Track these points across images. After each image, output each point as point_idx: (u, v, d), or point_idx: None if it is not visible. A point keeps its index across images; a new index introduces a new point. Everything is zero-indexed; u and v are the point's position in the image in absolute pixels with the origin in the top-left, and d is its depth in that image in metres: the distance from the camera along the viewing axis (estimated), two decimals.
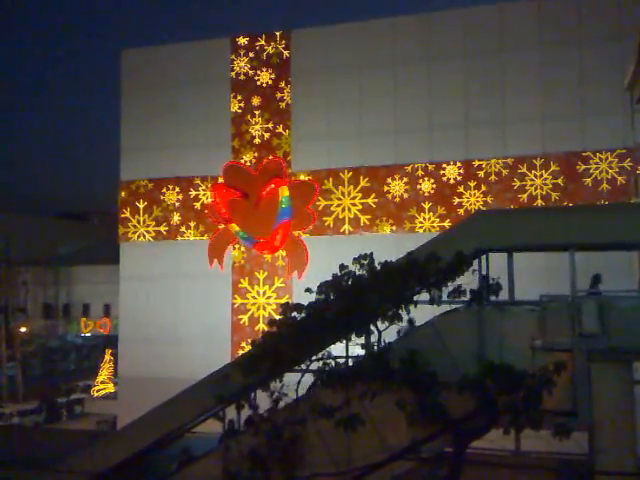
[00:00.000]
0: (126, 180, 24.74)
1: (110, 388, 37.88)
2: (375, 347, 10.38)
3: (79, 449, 14.84)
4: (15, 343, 44.94)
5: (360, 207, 21.92)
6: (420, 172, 21.48)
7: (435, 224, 21.10)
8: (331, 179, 22.27)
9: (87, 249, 53.74)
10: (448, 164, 21.24)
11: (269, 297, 22.60)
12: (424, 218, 21.28)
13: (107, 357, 39.89)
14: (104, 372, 40.09)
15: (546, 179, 20.41)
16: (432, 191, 21.31)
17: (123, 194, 24.77)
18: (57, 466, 13.48)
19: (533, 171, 20.52)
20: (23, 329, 47.10)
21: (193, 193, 23.85)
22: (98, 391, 39.58)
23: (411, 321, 10.31)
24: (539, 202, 20.40)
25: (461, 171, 21.13)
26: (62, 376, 47.78)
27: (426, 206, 21.31)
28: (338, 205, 22.19)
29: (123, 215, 24.68)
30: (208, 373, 12.61)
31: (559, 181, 20.34)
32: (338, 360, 10.43)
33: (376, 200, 21.78)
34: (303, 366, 10.58)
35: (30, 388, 43.39)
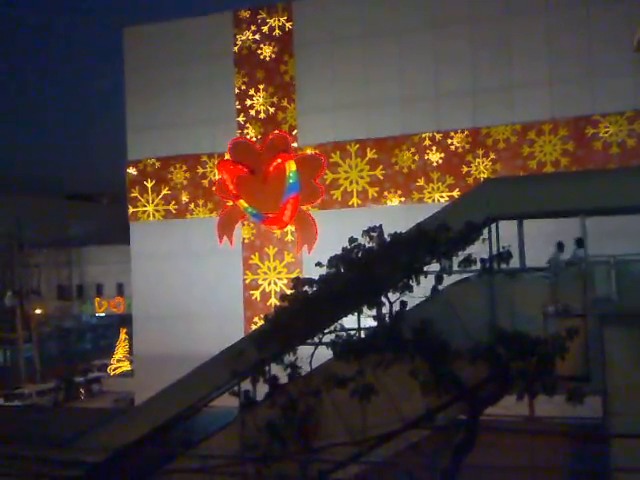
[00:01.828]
0: (133, 160, 24.75)
1: (126, 366, 38.43)
2: (387, 318, 10.43)
3: (98, 426, 15.13)
4: (31, 325, 45.56)
5: (368, 179, 21.82)
6: (427, 142, 21.30)
7: (444, 194, 20.99)
8: (338, 152, 22.15)
9: (98, 230, 54.05)
10: (456, 132, 21.03)
11: (280, 272, 22.69)
12: (433, 188, 21.17)
13: (122, 336, 40.42)
14: (120, 351, 40.65)
15: (555, 145, 20.19)
16: (440, 161, 21.15)
17: (131, 174, 24.79)
18: (77, 443, 13.76)
19: (542, 137, 20.30)
20: (38, 311, 47.70)
21: (200, 170, 23.83)
22: (115, 369, 40.19)
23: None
24: (549, 168, 20.21)
25: (469, 139, 20.93)
26: (79, 356, 48.46)
27: (434, 176, 21.17)
28: (346, 178, 22.10)
29: (132, 195, 24.74)
30: (222, 349, 12.76)
31: (568, 146, 20.12)
32: (350, 332, 10.52)
33: (384, 172, 21.67)
34: (316, 339, 10.68)
35: (47, 368, 44.10)
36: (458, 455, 9.69)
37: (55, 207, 58.55)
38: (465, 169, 20.95)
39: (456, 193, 20.65)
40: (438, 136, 21.20)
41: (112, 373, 40.19)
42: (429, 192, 21.17)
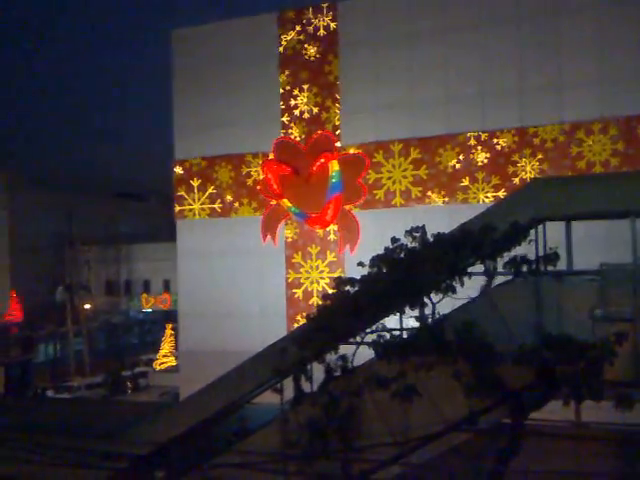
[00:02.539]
0: (180, 159, 25.21)
1: (172, 361, 39.21)
2: (429, 319, 10.37)
3: (144, 420, 15.49)
4: (81, 319, 46.92)
5: (411, 179, 21.69)
6: (473, 141, 21.03)
7: (489, 194, 20.69)
8: (381, 152, 22.08)
9: (146, 227, 55.29)
10: (502, 132, 20.70)
11: (322, 271, 22.77)
12: (477, 188, 20.88)
13: (168, 332, 41.26)
14: (165, 346, 41.50)
15: (605, 144, 19.65)
16: (485, 160, 20.85)
17: (178, 173, 25.26)
18: (124, 436, 14.12)
19: (591, 136, 19.79)
20: (88, 306, 49.11)
21: (245, 170, 24.11)
22: (160, 364, 41.06)
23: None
24: (598, 168, 19.68)
25: (515, 139, 20.57)
26: (126, 350, 49.65)
27: (479, 176, 20.89)
28: (389, 178, 22.01)
29: (178, 193, 25.21)
30: (264, 346, 12.90)
31: (618, 146, 19.56)
32: (393, 332, 10.49)
33: (427, 171, 21.49)
34: (358, 339, 10.70)
35: (96, 362, 45.33)
36: (502, 459, 9.57)
37: (105, 205, 60.16)
38: (511, 169, 20.60)
39: (501, 193, 20.33)
40: (484, 135, 20.90)
41: (158, 368, 41.06)
42: (474, 192, 20.90)
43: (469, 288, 10.25)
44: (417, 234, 10.82)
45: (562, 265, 10.32)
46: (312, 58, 23.29)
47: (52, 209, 53.60)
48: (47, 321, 47.02)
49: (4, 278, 52.08)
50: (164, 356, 41.19)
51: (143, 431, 14.12)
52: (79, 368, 44.58)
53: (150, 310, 52.62)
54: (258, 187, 23.77)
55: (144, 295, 52.33)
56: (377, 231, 20.23)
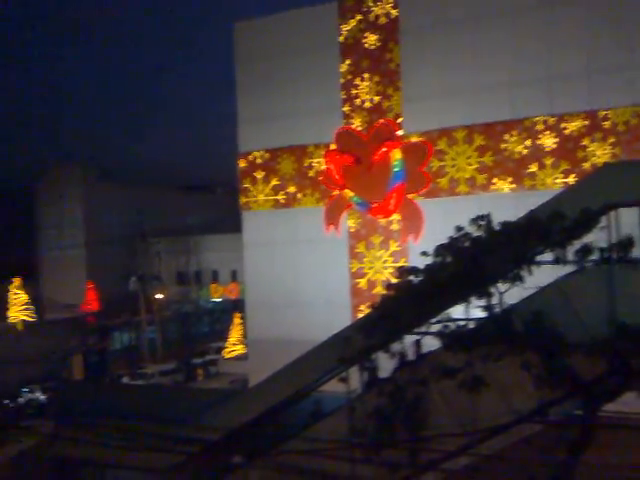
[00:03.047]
0: (244, 152, 25.65)
1: (240, 349, 40.11)
2: (496, 309, 10.23)
3: (214, 406, 15.98)
4: (153, 309, 48.65)
5: (476, 166, 21.27)
6: (540, 126, 20.39)
7: (558, 180, 20.04)
8: (444, 139, 21.75)
9: (213, 219, 56.61)
10: (571, 116, 19.97)
11: (385, 261, 22.73)
12: (546, 174, 20.26)
13: (236, 320, 42.20)
14: (234, 334, 42.48)
15: None
16: (554, 145, 20.19)
17: (242, 165, 25.72)
18: (195, 422, 14.63)
19: None
20: (159, 295, 50.86)
21: (307, 161, 24.28)
22: (230, 352, 42.08)
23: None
24: None
25: (585, 122, 19.80)
26: (196, 338, 51.18)
27: (548, 162, 20.26)
28: (452, 165, 21.67)
29: (243, 185, 25.68)
30: (329, 336, 13.06)
31: None
32: (459, 322, 10.41)
33: (493, 158, 21.02)
34: (423, 329, 10.67)
35: (168, 350, 46.95)
36: (574, 452, 9.38)
37: (173, 198, 61.97)
38: (581, 154, 19.88)
39: (571, 179, 19.65)
40: (551, 120, 20.23)
41: (227, 356, 42.08)
42: (542, 178, 20.29)
43: (538, 277, 10.04)
44: (482, 222, 10.66)
45: (638, 252, 9.94)
46: (373, 46, 23.14)
47: (124, 203, 55.70)
48: (122, 310, 49.01)
49: (81, 270, 54.60)
50: (233, 344, 42.17)
51: (215, 417, 14.59)
52: (152, 356, 46.31)
53: (219, 299, 54.00)
54: (320, 178, 23.91)
55: (213, 285, 53.75)
56: (441, 220, 19.99)
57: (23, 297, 48.53)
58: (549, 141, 20.19)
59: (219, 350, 43.69)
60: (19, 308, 48.22)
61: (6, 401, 34.38)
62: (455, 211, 19.28)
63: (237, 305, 43.80)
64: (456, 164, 21.57)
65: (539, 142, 20.36)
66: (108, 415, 16.65)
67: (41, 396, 34.98)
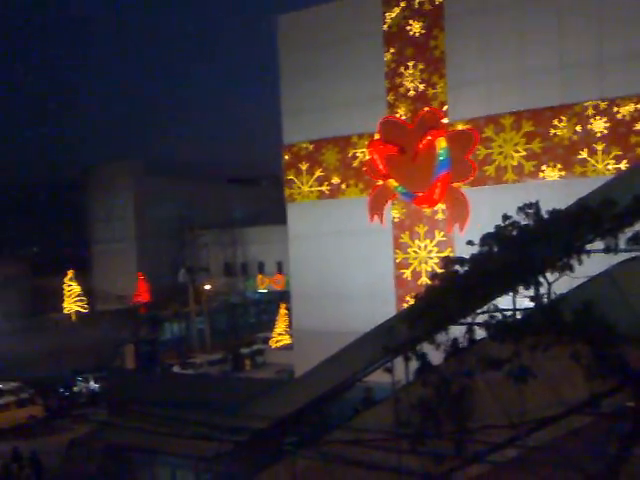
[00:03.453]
0: (288, 143, 25.77)
1: (286, 340, 40.47)
2: (545, 299, 10.02)
3: (261, 396, 16.19)
4: (202, 300, 49.54)
5: (524, 153, 20.80)
6: (591, 111, 19.78)
7: (610, 166, 19.42)
8: (491, 126, 21.33)
9: (259, 211, 57.20)
10: (623, 100, 19.30)
11: (430, 251, 22.51)
12: (597, 160, 19.67)
13: (282, 311, 42.58)
14: (280, 325, 42.87)
15: None
16: (605, 131, 19.56)
17: (286, 157, 25.86)
18: (243, 411, 14.85)
19: None
20: (208, 287, 51.73)
21: (351, 151, 24.21)
22: (276, 342, 42.51)
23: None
24: None
25: (638, 106, 19.09)
26: (244, 329, 51.88)
27: (599, 147, 19.65)
28: (499, 153, 21.25)
29: (288, 177, 25.82)
30: (374, 326, 13.04)
31: None
32: (505, 313, 10.24)
33: (541, 145, 20.52)
34: (469, 319, 10.54)
35: (217, 340, 47.74)
36: (625, 444, 9.13)
37: (221, 191, 62.85)
38: (634, 139, 19.19)
39: (623, 165, 19.02)
40: (602, 104, 19.59)
41: (274, 346, 42.50)
42: (592, 165, 19.70)
43: (588, 266, 9.78)
44: (530, 211, 10.43)
45: None
46: (417, 34, 22.85)
47: (172, 196, 56.77)
48: (171, 301, 50.08)
49: (131, 262, 56.02)
50: (279, 334, 42.58)
51: (261, 406, 14.78)
52: (201, 346, 47.20)
53: (265, 290, 54.57)
54: (364, 168, 23.81)
55: (259, 276, 54.35)
56: (487, 209, 19.66)
57: (76, 289, 50.15)
58: (600, 126, 19.56)
59: (266, 340, 44.18)
60: (73, 299, 49.86)
61: (61, 390, 35.65)
62: (502, 199, 18.92)
63: (283, 296, 44.16)
64: (503, 151, 21.14)
65: (590, 127, 19.76)
66: (159, 403, 17.07)
67: (94, 385, 36.12)
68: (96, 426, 19.40)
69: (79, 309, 49.56)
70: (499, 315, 10.09)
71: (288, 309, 37.36)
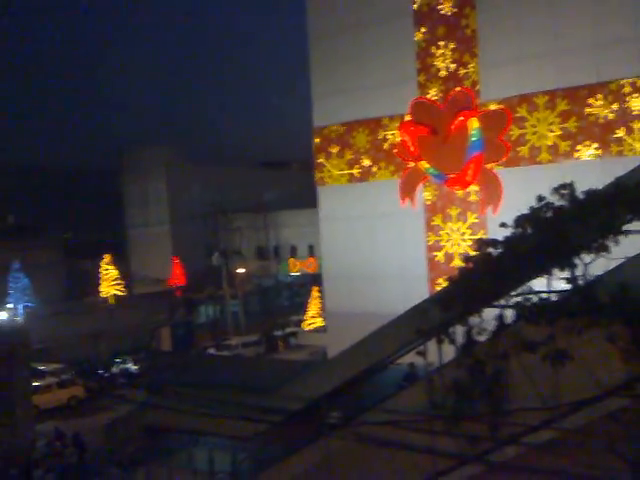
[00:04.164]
0: (319, 126, 25.72)
1: (319, 322, 40.79)
2: (580, 281, 9.91)
3: (295, 377, 16.41)
4: (235, 283, 50.15)
5: (559, 133, 20.39)
6: (628, 88, 19.23)
7: None
8: (524, 105, 20.94)
9: (290, 195, 57.42)
10: None
11: (463, 233, 22.33)
12: (634, 139, 19.17)
13: (314, 294, 42.89)
14: (313, 307, 43.20)
15: None
16: None
17: (317, 140, 25.82)
18: (277, 392, 15.09)
19: None
20: (241, 270, 52.31)
21: (382, 133, 24.06)
22: (309, 325, 42.88)
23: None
24: None
25: None
26: (277, 312, 52.42)
27: (636, 126, 19.13)
28: (533, 133, 20.87)
29: (318, 160, 25.82)
30: (406, 309, 13.06)
31: None
32: (540, 295, 10.17)
33: (577, 124, 20.08)
34: (502, 302, 10.49)
35: (250, 323, 48.36)
36: None
37: (252, 175, 63.22)
38: None
39: None
40: (639, 82, 19.05)
41: (306, 328, 42.90)
42: (629, 144, 19.21)
43: (625, 247, 9.63)
44: (565, 191, 10.28)
45: None
46: (448, 12, 22.48)
47: (205, 180, 57.34)
48: (206, 285, 50.82)
49: (167, 246, 56.90)
50: (312, 317, 42.91)
51: (296, 387, 14.99)
52: (235, 328, 47.87)
53: (297, 273, 54.93)
54: (395, 150, 23.66)
55: (291, 259, 54.72)
56: (521, 190, 19.37)
57: (113, 273, 51.19)
58: (637, 104, 19.02)
59: (299, 323, 44.59)
60: (110, 283, 50.92)
61: (100, 371, 36.62)
62: (536, 180, 18.65)
63: (315, 279, 44.41)
64: (537, 131, 20.78)
65: (626, 105, 19.25)
66: (195, 384, 17.44)
67: (132, 367, 37.01)
68: (135, 407, 19.90)
69: (116, 293, 50.62)
70: (534, 297, 10.03)
71: (320, 292, 37.58)
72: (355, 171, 24.80)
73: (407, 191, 23.37)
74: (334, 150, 25.24)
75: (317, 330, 40.09)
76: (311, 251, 52.65)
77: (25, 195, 61.94)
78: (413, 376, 12.59)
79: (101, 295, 50.84)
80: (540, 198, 10.42)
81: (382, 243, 23.94)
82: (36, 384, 30.97)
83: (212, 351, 40.30)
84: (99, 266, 51.47)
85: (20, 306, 43.50)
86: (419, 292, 19.32)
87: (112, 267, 51.40)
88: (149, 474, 18.10)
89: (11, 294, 44.19)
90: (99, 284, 51.12)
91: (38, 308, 43.74)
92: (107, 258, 51.56)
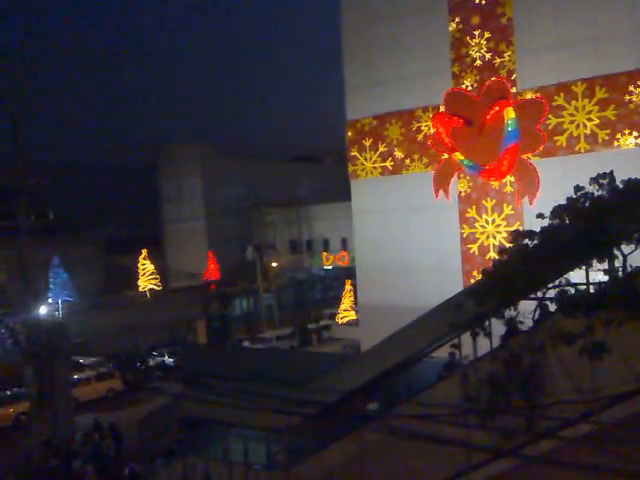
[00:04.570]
0: (352, 119, 25.61)
1: (352, 315, 40.73)
2: (620, 272, 9.68)
3: (329, 370, 16.44)
4: (269, 276, 50.45)
5: (597, 121, 19.89)
6: None
7: None
8: (562, 94, 20.48)
9: (323, 188, 57.42)
10: None
11: (498, 225, 22.01)
12: None
13: (347, 287, 42.82)
14: (346, 301, 43.14)
15: None
16: None
17: (350, 133, 25.72)
18: (311, 384, 15.14)
19: None
20: (274, 264, 52.58)
21: (415, 125, 23.84)
22: (342, 318, 42.85)
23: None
24: None
25: None
26: (310, 305, 52.55)
27: None
28: (571, 122, 20.40)
29: (351, 153, 25.72)
30: (440, 302, 12.95)
31: None
32: (578, 287, 9.96)
33: (616, 112, 19.55)
34: (539, 294, 10.31)
35: (284, 316, 48.61)
36: None
37: (285, 169, 63.41)
38: None
39: None
40: None
41: (340, 321, 42.91)
42: None
43: None
44: (604, 181, 10.05)
45: None
46: (483, 2, 22.09)
47: (238, 175, 57.73)
48: (240, 278, 51.24)
49: (202, 240, 57.51)
50: (345, 310, 42.87)
51: (330, 380, 15.03)
52: (269, 321, 48.20)
53: (330, 267, 54.94)
54: (429, 142, 23.42)
55: (324, 253, 54.73)
56: (559, 180, 18.98)
57: (150, 267, 51.96)
58: None
59: (332, 316, 44.63)
60: (147, 277, 51.71)
61: (137, 364, 37.25)
62: (574, 170, 18.25)
63: (348, 272, 44.35)
64: (575, 120, 20.31)
65: None
66: (230, 377, 17.62)
67: (169, 359, 37.58)
68: (171, 399, 20.20)
69: (153, 287, 51.41)
70: (571, 289, 9.83)
71: (353, 285, 37.52)
72: (388, 164, 24.65)
73: (441, 183, 23.12)
74: (367, 143, 25.12)
75: (350, 323, 40.07)
76: (344, 244, 52.60)
77: (64, 192, 63.30)
78: (454, 365, 12.48)
79: (138, 289, 51.69)
80: (578, 188, 10.21)
81: (416, 236, 23.75)
82: (75, 377, 31.70)
83: (247, 344, 40.64)
84: (137, 261, 52.34)
85: (60, 301, 44.51)
86: (453, 285, 19.14)
87: (149, 262, 52.20)
88: (185, 465, 18.37)
89: (51, 289, 45.24)
90: (137, 279, 51.98)
91: (77, 303, 44.70)
92: (144, 253, 52.38)
